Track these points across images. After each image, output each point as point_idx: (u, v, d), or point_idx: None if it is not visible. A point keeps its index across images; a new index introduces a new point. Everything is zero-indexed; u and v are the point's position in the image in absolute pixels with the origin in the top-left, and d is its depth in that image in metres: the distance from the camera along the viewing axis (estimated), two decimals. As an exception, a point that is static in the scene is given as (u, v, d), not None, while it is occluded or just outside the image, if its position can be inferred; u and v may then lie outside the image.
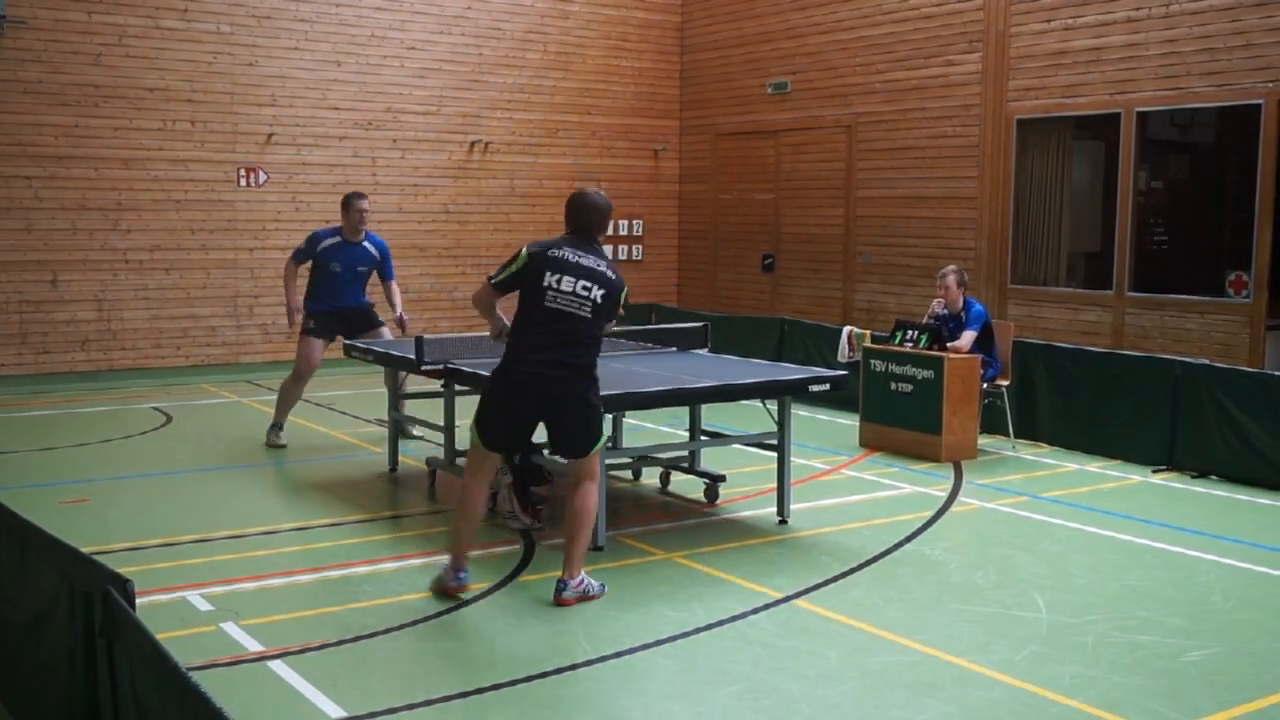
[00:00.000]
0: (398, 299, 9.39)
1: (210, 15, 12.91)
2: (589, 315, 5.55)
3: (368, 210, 9.23)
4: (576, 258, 5.58)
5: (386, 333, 9.34)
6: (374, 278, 9.44)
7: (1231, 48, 10.48)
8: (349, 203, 9.20)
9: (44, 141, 12.18)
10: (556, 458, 6.10)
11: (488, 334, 6.16)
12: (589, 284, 5.55)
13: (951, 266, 9.51)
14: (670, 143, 16.24)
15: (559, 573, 5.80)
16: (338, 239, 9.19)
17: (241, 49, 13.11)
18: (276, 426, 9.35)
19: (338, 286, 9.17)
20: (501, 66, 14.78)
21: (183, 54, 12.79)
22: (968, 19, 12.58)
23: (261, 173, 13.33)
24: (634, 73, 15.84)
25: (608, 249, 15.71)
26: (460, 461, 7.82)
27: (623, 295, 5.70)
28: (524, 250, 5.62)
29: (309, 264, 9.25)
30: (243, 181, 13.24)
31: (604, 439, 5.81)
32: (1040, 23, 11.93)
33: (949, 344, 9.09)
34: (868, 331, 10.56)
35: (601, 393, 6.19)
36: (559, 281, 5.51)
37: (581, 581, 5.68)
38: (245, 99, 13.17)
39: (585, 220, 5.72)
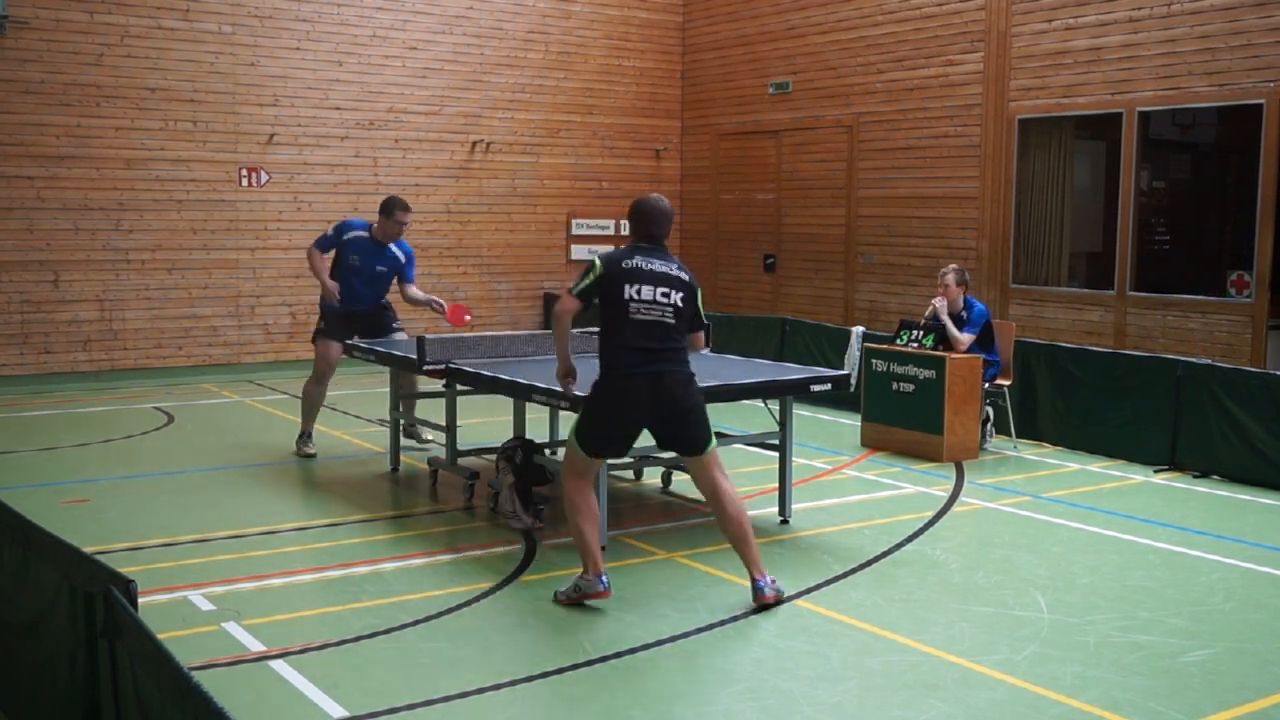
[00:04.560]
0: (421, 294, 9.00)
1: (211, 15, 12.91)
2: (673, 321, 5.58)
3: (408, 225, 8.89)
4: (650, 265, 5.61)
5: (402, 338, 8.96)
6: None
7: (1232, 47, 10.47)
8: (391, 212, 8.76)
9: (46, 141, 12.18)
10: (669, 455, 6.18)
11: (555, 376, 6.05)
12: (667, 289, 5.58)
13: (952, 266, 9.51)
14: (671, 142, 16.24)
15: (560, 572, 5.79)
16: (365, 234, 8.83)
17: (243, 49, 13.12)
18: (305, 435, 9.08)
19: (353, 284, 8.84)
20: (503, 66, 14.78)
21: (184, 54, 12.80)
22: (969, 19, 12.58)
23: (263, 173, 13.33)
24: (635, 73, 15.84)
25: (609, 249, 15.73)
26: (462, 462, 7.84)
27: (699, 295, 5.75)
28: (597, 261, 5.66)
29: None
30: (244, 181, 13.24)
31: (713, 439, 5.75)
32: (1041, 22, 11.92)
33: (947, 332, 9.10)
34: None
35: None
36: (639, 291, 5.54)
37: (775, 580, 5.68)
38: (247, 99, 13.18)
39: (653, 228, 5.76)
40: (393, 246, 8.90)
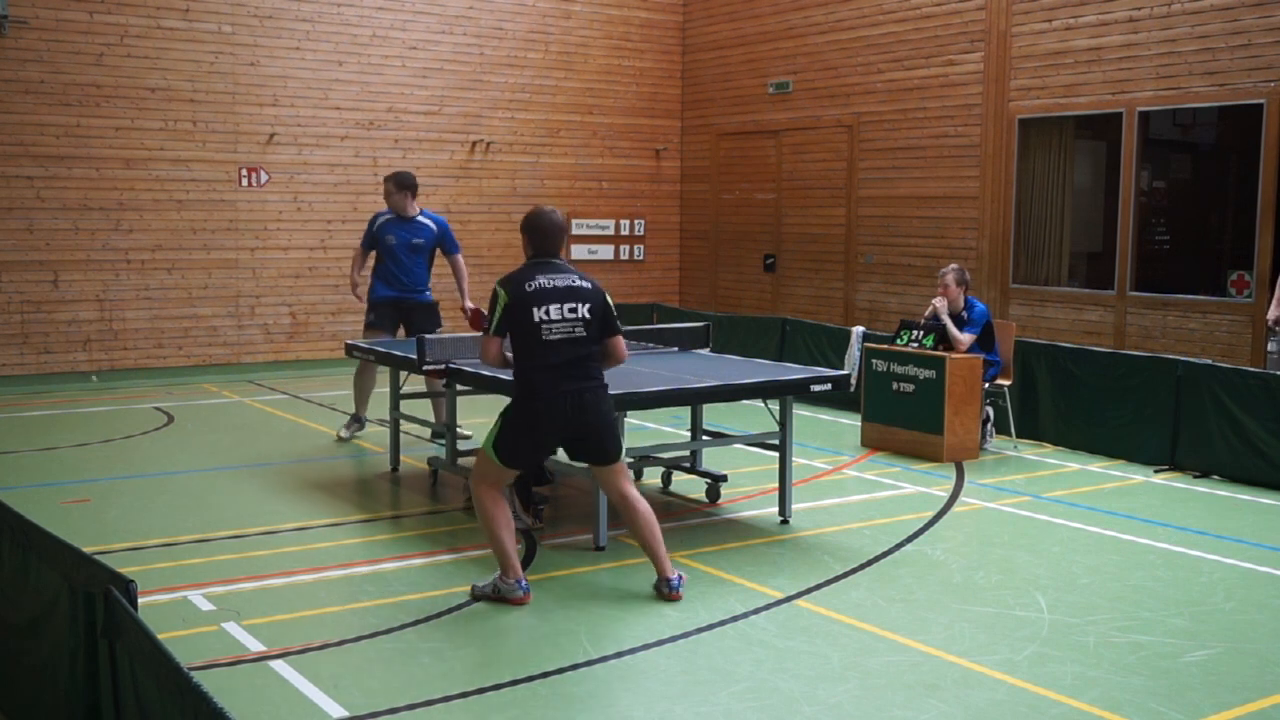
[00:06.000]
0: (465, 283, 9.52)
1: (212, 15, 12.91)
2: (584, 334, 5.61)
3: (390, 193, 9.33)
4: (553, 282, 5.59)
5: None
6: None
7: (1232, 47, 10.47)
8: (384, 186, 9.45)
9: (46, 141, 12.18)
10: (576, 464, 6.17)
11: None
12: (574, 304, 5.60)
13: (952, 266, 9.51)
14: (671, 143, 16.24)
15: (561, 572, 5.78)
16: (390, 215, 9.37)
17: (243, 49, 13.12)
18: (356, 420, 9.58)
19: (395, 266, 9.29)
20: (504, 66, 14.78)
21: (184, 54, 12.80)
22: (968, 19, 12.58)
23: (263, 173, 13.33)
24: (636, 73, 15.84)
25: (609, 248, 15.78)
26: (462, 462, 7.84)
27: (608, 300, 5.73)
28: (500, 290, 5.59)
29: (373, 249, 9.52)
30: (244, 181, 13.24)
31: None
32: (1041, 22, 11.92)
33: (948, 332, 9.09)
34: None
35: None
36: (547, 312, 5.54)
37: (683, 577, 5.82)
38: (247, 99, 13.18)
39: (548, 243, 5.73)
40: (421, 217, 9.41)
